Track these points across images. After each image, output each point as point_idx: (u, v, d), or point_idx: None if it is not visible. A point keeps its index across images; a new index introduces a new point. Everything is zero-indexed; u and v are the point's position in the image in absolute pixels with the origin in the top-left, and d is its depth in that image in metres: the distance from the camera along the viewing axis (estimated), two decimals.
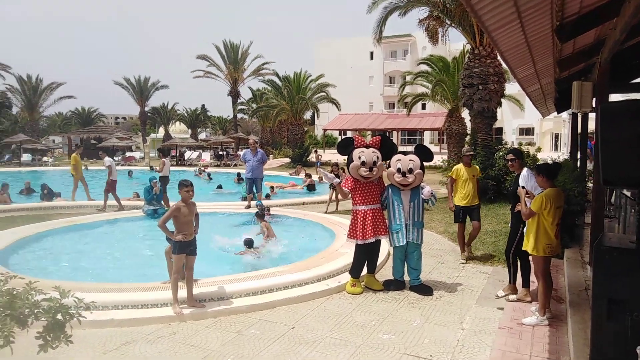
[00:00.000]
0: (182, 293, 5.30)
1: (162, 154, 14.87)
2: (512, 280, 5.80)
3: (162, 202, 11.41)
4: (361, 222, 5.95)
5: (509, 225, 5.94)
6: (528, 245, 5.01)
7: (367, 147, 6.04)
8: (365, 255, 6.08)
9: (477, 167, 7.94)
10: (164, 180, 12.61)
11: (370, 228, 5.92)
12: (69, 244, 8.76)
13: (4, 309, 2.71)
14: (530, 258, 5.25)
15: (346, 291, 5.99)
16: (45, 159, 34.81)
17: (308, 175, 18.43)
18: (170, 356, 4.33)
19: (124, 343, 4.57)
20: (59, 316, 2.88)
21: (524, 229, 5.32)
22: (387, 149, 6.15)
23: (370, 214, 5.96)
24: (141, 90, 53.14)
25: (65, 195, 14.41)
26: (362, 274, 6.15)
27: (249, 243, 8.00)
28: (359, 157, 5.92)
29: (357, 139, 6.16)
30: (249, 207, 11.69)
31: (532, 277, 5.52)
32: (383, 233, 6.03)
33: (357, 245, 6.04)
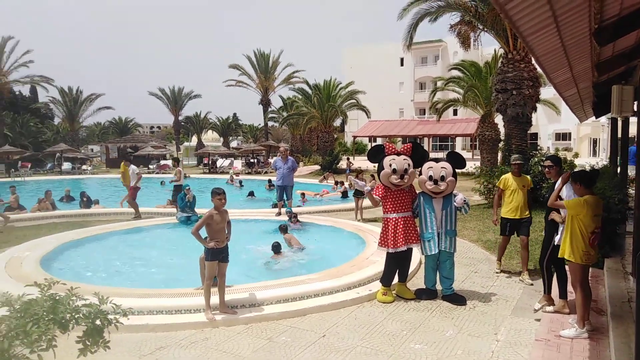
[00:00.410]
0: (215, 299, 5.38)
1: (176, 163, 14.64)
2: (547, 291, 5.62)
3: (194, 210, 11.61)
4: (392, 230, 5.91)
5: (544, 233, 5.76)
6: (565, 252, 4.85)
7: (398, 154, 5.98)
8: (397, 263, 6.02)
9: (528, 177, 7.46)
10: (178, 189, 12.53)
11: (401, 236, 5.87)
12: (106, 250, 9.03)
13: (47, 314, 2.81)
14: (567, 267, 5.08)
15: (377, 299, 5.94)
16: (84, 167, 36.07)
17: (340, 183, 18.46)
18: None
19: (158, 348, 4.67)
20: (98, 321, 2.97)
21: (557, 238, 5.18)
22: (418, 156, 6.09)
23: (402, 222, 5.90)
24: (175, 100, 54.57)
25: (103, 203, 14.89)
26: (394, 282, 6.10)
27: (276, 248, 8.08)
28: (390, 165, 5.87)
29: (387, 147, 6.11)
30: (279, 214, 11.78)
31: (570, 288, 5.33)
32: (415, 241, 5.95)
33: (388, 253, 5.99)
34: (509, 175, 7.15)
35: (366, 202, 12.27)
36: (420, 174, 5.98)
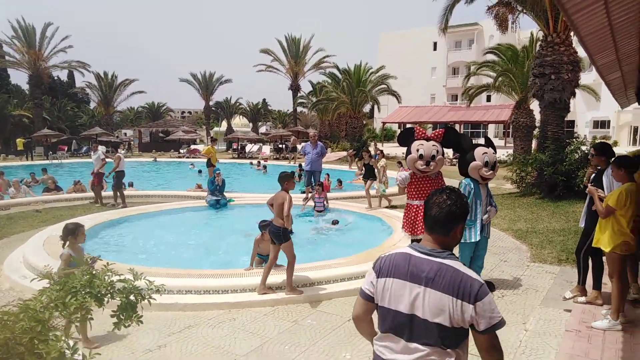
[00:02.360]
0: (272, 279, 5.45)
1: (115, 149, 14.10)
2: (582, 282, 5.45)
3: (223, 194, 11.77)
4: (413, 217, 5.83)
5: (579, 223, 5.56)
6: (601, 242, 4.68)
7: (428, 139, 5.81)
8: None
9: None
10: (120, 175, 12.27)
11: (421, 225, 5.72)
12: (138, 230, 9.29)
13: (84, 287, 2.93)
14: (604, 257, 4.91)
15: None
16: (120, 150, 37.05)
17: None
18: (230, 341, 4.49)
19: (187, 326, 4.80)
20: (132, 297, 3.07)
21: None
22: (451, 142, 5.85)
23: (422, 212, 5.73)
24: (206, 85, 55.15)
25: (137, 186, 15.27)
26: None
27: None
28: (417, 150, 5.75)
29: (418, 130, 5.97)
30: (307, 199, 11.82)
31: (605, 279, 5.17)
32: None
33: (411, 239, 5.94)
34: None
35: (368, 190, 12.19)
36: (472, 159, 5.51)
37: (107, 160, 12.90)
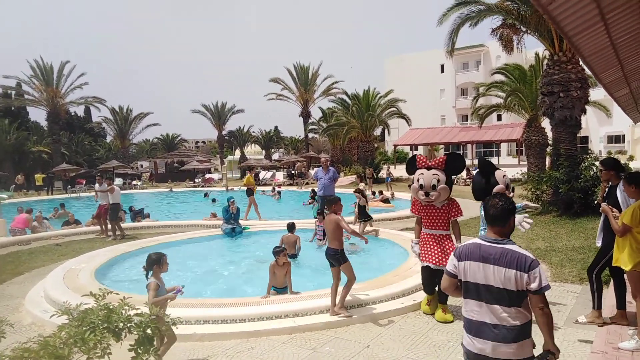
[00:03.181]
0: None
1: (109, 180, 13.15)
2: (597, 305, 5.17)
3: (238, 222, 11.83)
4: (423, 245, 5.70)
5: (596, 242, 5.41)
6: (621, 261, 4.59)
7: (429, 168, 5.63)
8: (429, 278, 5.69)
9: None
10: (115, 207, 12.22)
11: (430, 253, 5.58)
12: None
13: (102, 322, 2.96)
14: (626, 276, 4.81)
15: (422, 310, 5.81)
16: (134, 182, 37.60)
17: (379, 192, 18.38)
18: None
19: (206, 357, 4.78)
20: (149, 330, 3.09)
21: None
22: (455, 168, 5.68)
23: (432, 240, 5.60)
24: (219, 115, 56.00)
25: (154, 217, 15.44)
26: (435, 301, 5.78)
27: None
28: (418, 180, 5.62)
29: (419, 159, 5.85)
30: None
31: (628, 297, 5.04)
32: (443, 263, 5.40)
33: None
34: None
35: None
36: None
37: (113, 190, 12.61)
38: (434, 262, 5.52)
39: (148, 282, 4.50)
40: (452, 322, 5.45)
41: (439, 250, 5.54)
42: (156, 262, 4.61)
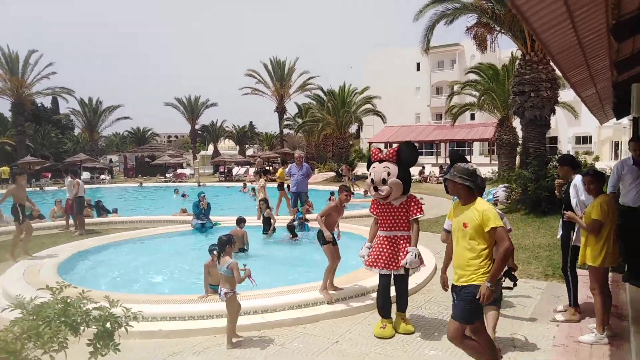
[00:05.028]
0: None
1: (73, 175, 13.05)
2: (573, 302, 5.27)
3: (209, 217, 11.65)
4: (374, 248, 5.12)
5: (557, 235, 5.57)
6: (588, 257, 4.69)
7: (381, 161, 5.04)
8: (386, 291, 5.15)
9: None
10: (79, 200, 12.06)
11: (379, 256, 5.03)
12: (122, 257, 9.12)
13: (59, 316, 2.83)
14: (587, 271, 4.93)
15: (374, 334, 5.00)
16: (102, 176, 36.66)
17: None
18: None
19: (172, 354, 4.67)
20: (108, 324, 2.97)
21: (574, 242, 5.06)
22: (407, 159, 5.01)
23: (386, 243, 5.03)
24: (192, 109, 55.18)
25: (122, 212, 15.04)
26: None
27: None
28: (370, 174, 5.02)
29: (373, 152, 5.24)
30: (294, 220, 11.74)
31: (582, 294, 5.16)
32: (394, 267, 4.97)
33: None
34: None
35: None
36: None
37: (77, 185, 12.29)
38: (382, 265, 5.00)
39: (229, 263, 4.80)
40: (413, 332, 5.02)
41: (390, 252, 4.99)
42: (228, 243, 4.94)
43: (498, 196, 5.80)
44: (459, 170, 3.72)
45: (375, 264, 5.07)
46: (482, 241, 3.59)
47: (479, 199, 3.72)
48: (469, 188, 3.67)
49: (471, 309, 3.61)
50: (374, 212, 5.18)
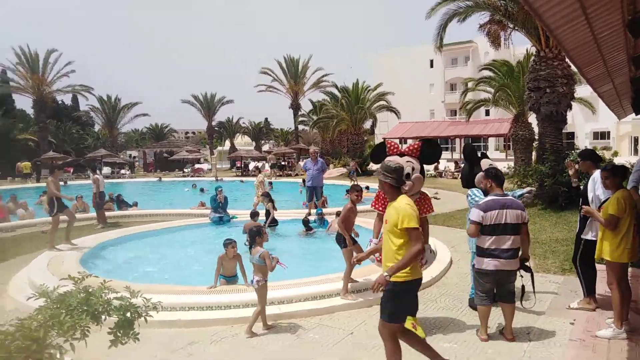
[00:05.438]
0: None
1: (92, 171, 13.42)
2: (586, 292, 5.37)
3: (226, 211, 11.81)
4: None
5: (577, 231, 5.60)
6: (605, 252, 4.68)
7: (402, 155, 4.93)
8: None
9: None
10: (101, 195, 12.29)
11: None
12: (143, 249, 9.32)
13: (80, 305, 2.94)
14: (605, 265, 4.91)
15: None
16: (122, 171, 37.28)
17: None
18: (233, 357, 4.48)
19: (190, 343, 4.80)
20: (129, 314, 3.08)
21: (591, 234, 5.09)
22: (430, 155, 4.99)
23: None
24: (208, 106, 55.62)
25: (142, 205, 15.32)
26: None
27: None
28: None
29: (390, 145, 5.08)
30: (309, 214, 11.84)
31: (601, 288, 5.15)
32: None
33: None
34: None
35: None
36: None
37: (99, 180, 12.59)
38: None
39: (261, 252, 5.05)
40: (423, 338, 4.41)
41: None
42: (257, 234, 5.20)
43: (525, 197, 5.84)
44: (383, 167, 3.78)
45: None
46: (398, 238, 3.62)
47: (402, 196, 3.72)
48: (390, 185, 3.71)
49: (385, 307, 3.69)
50: (380, 208, 4.96)
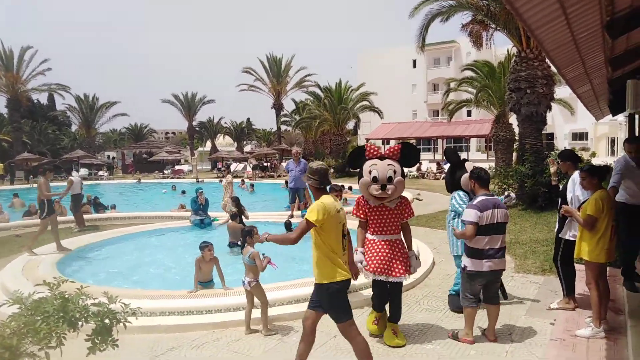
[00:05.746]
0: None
1: (67, 173, 13.07)
2: (566, 292, 5.45)
3: (207, 213, 11.66)
4: (375, 254, 4.68)
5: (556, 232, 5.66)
6: (583, 252, 4.73)
7: (382, 158, 4.73)
8: (382, 292, 4.83)
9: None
10: (77, 198, 12.00)
11: (382, 263, 4.61)
12: (121, 252, 9.13)
13: (57, 312, 2.84)
14: (584, 265, 4.97)
15: (367, 329, 4.88)
16: (100, 173, 36.59)
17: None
18: None
19: (171, 348, 4.70)
20: (107, 320, 2.98)
21: (569, 233, 5.18)
22: (409, 159, 4.84)
23: (387, 247, 4.65)
24: (189, 105, 55.04)
25: (120, 208, 15.02)
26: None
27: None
28: (370, 172, 4.60)
29: (369, 148, 4.87)
30: (292, 216, 11.78)
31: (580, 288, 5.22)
32: (399, 273, 4.63)
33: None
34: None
35: None
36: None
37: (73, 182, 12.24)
38: (381, 271, 4.63)
39: (250, 252, 5.03)
40: (403, 346, 4.62)
41: (390, 257, 4.65)
42: (248, 234, 5.21)
43: (514, 198, 6.13)
44: (308, 169, 4.04)
45: (378, 269, 4.64)
46: (313, 234, 3.82)
47: (323, 196, 3.88)
48: (314, 186, 3.95)
49: (335, 311, 3.95)
50: (361, 215, 4.78)
